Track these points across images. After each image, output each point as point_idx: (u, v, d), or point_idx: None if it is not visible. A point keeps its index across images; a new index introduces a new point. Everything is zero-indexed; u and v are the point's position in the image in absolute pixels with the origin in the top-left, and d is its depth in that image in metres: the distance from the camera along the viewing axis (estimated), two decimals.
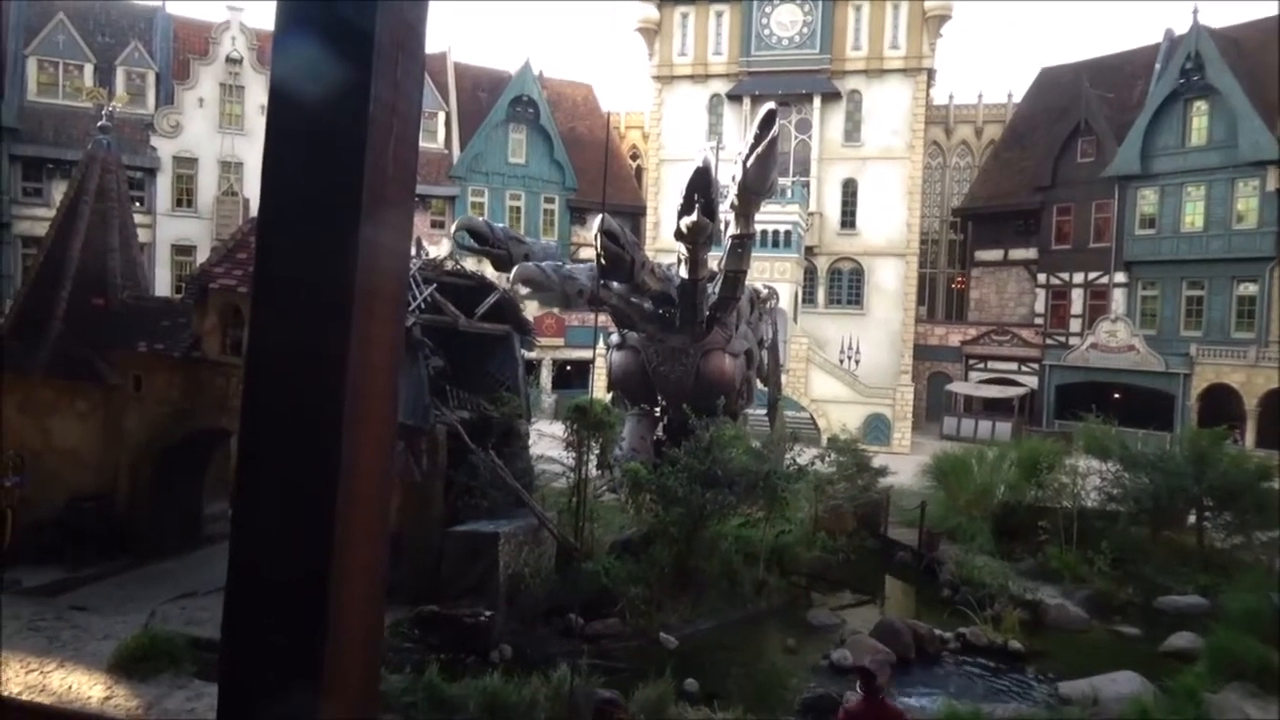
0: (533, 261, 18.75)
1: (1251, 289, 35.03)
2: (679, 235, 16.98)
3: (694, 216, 15.57)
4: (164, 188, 36.60)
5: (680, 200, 16.14)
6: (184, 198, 36.94)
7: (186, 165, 36.85)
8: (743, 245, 18.26)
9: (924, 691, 11.30)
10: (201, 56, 37.16)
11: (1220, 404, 33.10)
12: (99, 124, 16.69)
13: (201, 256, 31.62)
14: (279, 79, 1.29)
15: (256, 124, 36.71)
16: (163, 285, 33.92)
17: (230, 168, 37.38)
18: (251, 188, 36.51)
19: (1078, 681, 11.11)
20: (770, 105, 16.20)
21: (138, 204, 34.22)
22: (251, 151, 36.73)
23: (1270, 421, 32.42)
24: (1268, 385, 32.42)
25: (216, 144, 37.13)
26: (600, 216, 16.61)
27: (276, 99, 1.30)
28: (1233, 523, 16.91)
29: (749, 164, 15.77)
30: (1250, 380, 33.02)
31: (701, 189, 15.69)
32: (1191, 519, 17.34)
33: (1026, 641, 13.00)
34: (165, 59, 37.48)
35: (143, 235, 31.38)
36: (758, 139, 15.63)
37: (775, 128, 15.25)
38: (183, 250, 36.58)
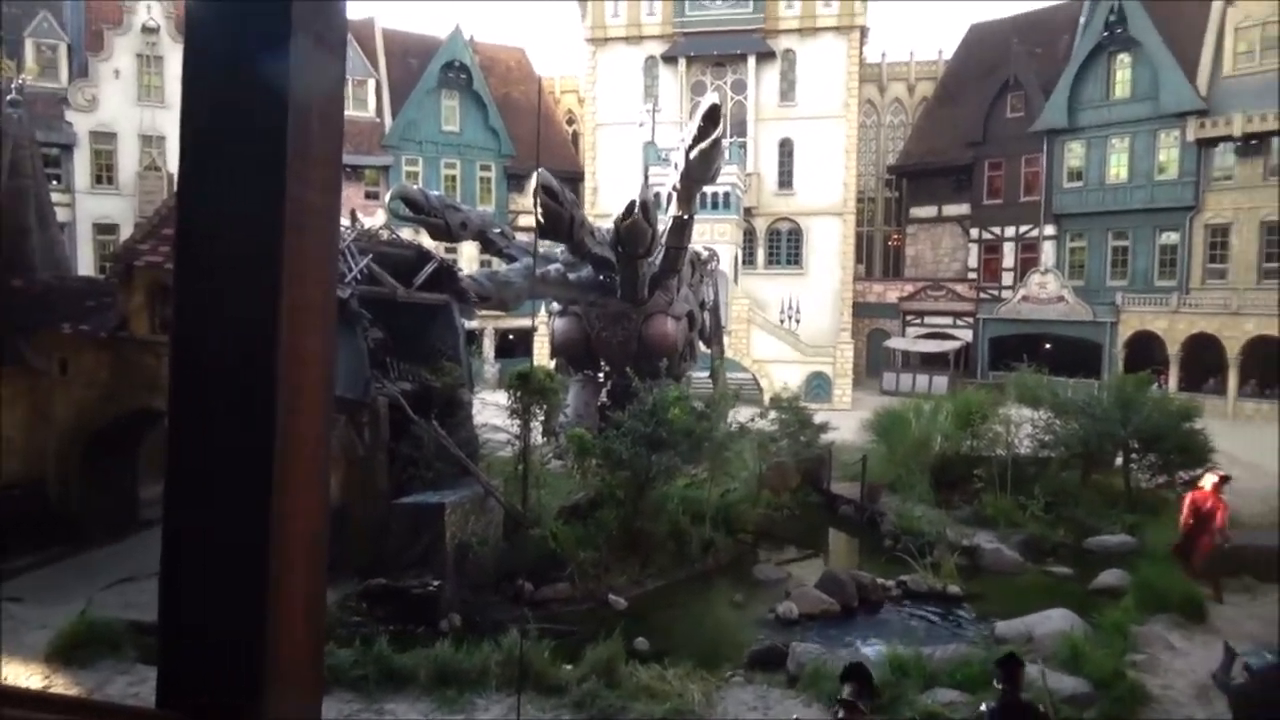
0: (469, 229, 18.57)
1: (1173, 238, 36.18)
2: (617, 241, 16.99)
3: (636, 205, 15.56)
4: (82, 164, 35.25)
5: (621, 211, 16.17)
6: (104, 174, 35.63)
7: (105, 140, 35.51)
8: (683, 225, 18.35)
9: (868, 638, 11.63)
10: (115, 26, 35.66)
11: (1145, 350, 34.28)
12: (9, 98, 15.98)
13: (125, 234, 30.59)
14: (194, 40, 1.25)
15: (178, 96, 35.22)
16: (85, 265, 32.82)
17: (152, 142, 36.12)
18: (175, 162, 35.33)
19: (1013, 621, 11.52)
20: (714, 100, 16.14)
21: (55, 182, 32.89)
22: (174, 124, 35.32)
23: (1192, 365, 33.72)
24: (1189, 330, 33.66)
25: (136, 117, 35.81)
26: (537, 172, 16.40)
27: (192, 62, 1.26)
28: (1157, 463, 17.56)
29: (693, 157, 15.76)
30: (1172, 326, 34.22)
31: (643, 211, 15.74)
32: (1119, 462, 17.98)
33: (964, 585, 13.44)
34: (77, 30, 35.92)
35: (62, 214, 30.24)
36: (702, 132, 15.61)
37: (720, 128, 15.25)
38: (105, 229, 35.34)
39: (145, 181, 35.56)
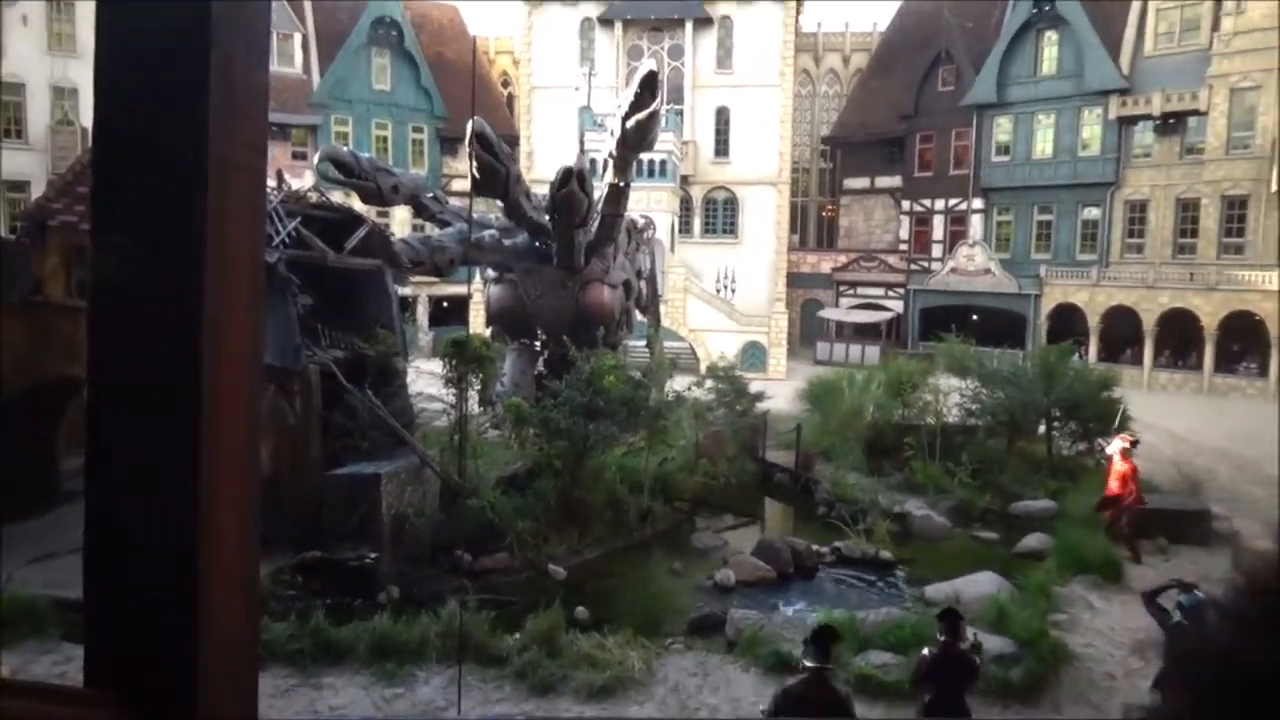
0: (401, 193, 18.15)
1: (1094, 213, 37.31)
2: (552, 209, 16.80)
3: (572, 174, 15.43)
4: None
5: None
6: (12, 128, 33.84)
7: (12, 92, 33.65)
8: (619, 192, 18.23)
9: (803, 603, 11.87)
10: None
11: (1067, 321, 35.43)
12: None
13: (37, 192, 29.15)
14: None
15: (91, 45, 33.73)
16: None
17: (64, 94, 34.40)
18: (89, 116, 33.80)
19: (942, 584, 11.87)
20: (651, 67, 15.95)
21: None
22: (87, 76, 33.63)
23: (1110, 336, 34.98)
24: (1108, 303, 34.86)
25: (46, 68, 34.02)
26: (472, 119, 16.00)
27: (106, 10, 1.19)
28: (1077, 430, 18.20)
29: (629, 126, 15.57)
30: (1093, 299, 35.40)
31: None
32: (1042, 429, 18.57)
33: (896, 551, 13.78)
34: None
35: None
36: (639, 99, 15.43)
37: (658, 97, 15.13)
38: (15, 186, 33.64)
39: (58, 136, 33.90)
